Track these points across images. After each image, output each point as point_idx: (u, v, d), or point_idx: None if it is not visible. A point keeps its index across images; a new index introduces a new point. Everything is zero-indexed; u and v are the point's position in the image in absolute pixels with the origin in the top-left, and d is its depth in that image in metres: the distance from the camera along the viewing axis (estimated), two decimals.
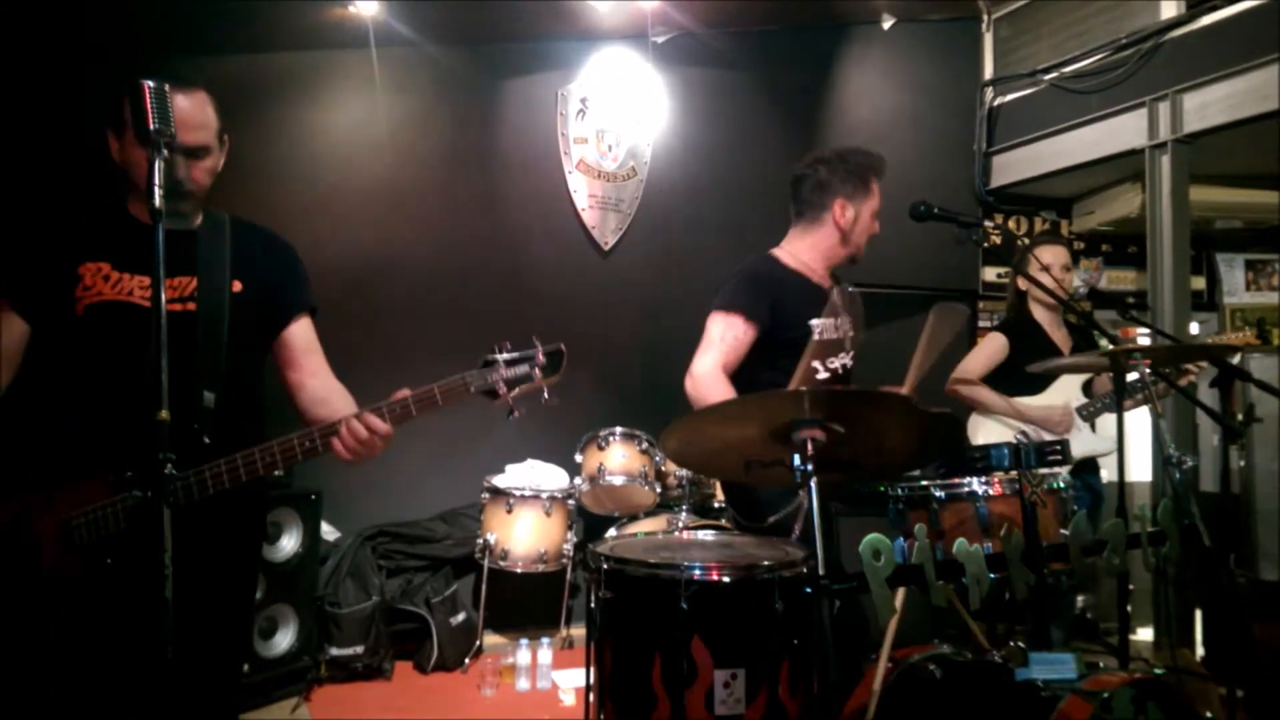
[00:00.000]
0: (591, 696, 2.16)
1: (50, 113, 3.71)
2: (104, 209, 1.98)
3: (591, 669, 2.14)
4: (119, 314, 1.89)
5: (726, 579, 1.98)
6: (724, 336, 2.62)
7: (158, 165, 1.57)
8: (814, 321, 2.68)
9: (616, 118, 5.22)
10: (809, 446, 1.81)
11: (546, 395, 1.95)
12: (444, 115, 4.91)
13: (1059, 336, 3.75)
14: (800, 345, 2.66)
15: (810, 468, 1.80)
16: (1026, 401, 3.65)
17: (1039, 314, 3.78)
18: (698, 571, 1.97)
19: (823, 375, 2.69)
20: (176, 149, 1.84)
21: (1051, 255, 3.72)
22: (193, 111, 1.90)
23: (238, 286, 2.00)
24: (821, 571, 1.76)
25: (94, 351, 1.89)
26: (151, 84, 1.58)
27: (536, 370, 1.91)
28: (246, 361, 2.04)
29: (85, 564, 1.79)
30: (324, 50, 4.62)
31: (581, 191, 5.13)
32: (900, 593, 2.19)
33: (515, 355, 1.91)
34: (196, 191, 1.94)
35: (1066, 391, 3.69)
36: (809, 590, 1.86)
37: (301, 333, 2.13)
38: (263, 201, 4.10)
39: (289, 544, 3.87)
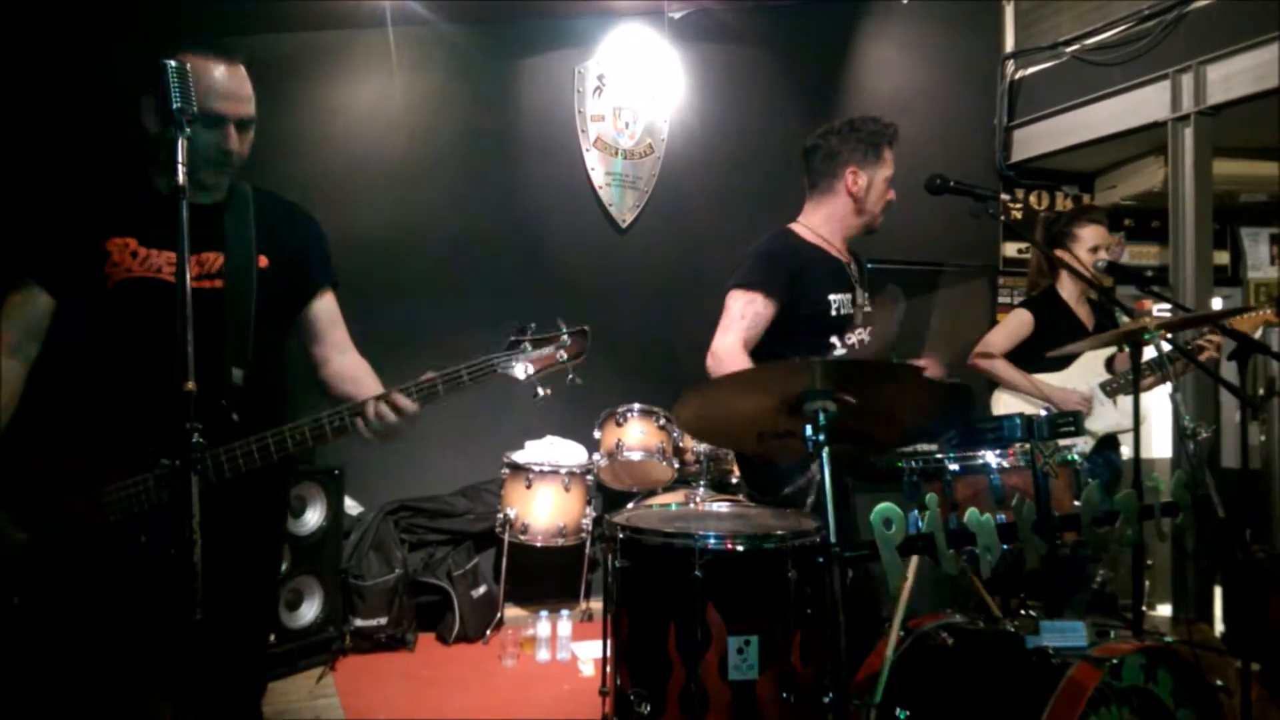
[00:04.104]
0: (608, 665, 2.21)
1: (72, 90, 3.75)
2: (129, 184, 1.96)
3: (608, 636, 2.18)
4: (148, 291, 1.87)
5: (739, 548, 2.02)
6: (744, 313, 2.62)
7: (180, 143, 1.57)
8: (832, 296, 2.69)
9: (633, 94, 5.22)
10: (821, 417, 1.83)
11: (571, 376, 1.96)
12: (461, 94, 4.92)
13: (1083, 313, 3.72)
14: (819, 320, 2.68)
15: (822, 438, 1.82)
16: (1048, 379, 3.64)
17: (1066, 291, 3.75)
18: (711, 541, 2.00)
19: (839, 351, 2.70)
20: (230, 120, 1.88)
21: (1100, 236, 3.67)
22: (240, 83, 1.90)
23: (264, 262, 1.98)
24: (833, 540, 1.78)
25: (124, 329, 1.87)
26: (174, 63, 1.59)
27: (562, 352, 1.92)
28: (272, 338, 2.02)
29: (118, 540, 1.78)
30: (341, 30, 4.64)
31: (599, 169, 5.15)
32: (913, 565, 2.21)
33: (541, 336, 1.92)
34: (238, 161, 1.93)
35: (1089, 368, 3.68)
36: (820, 559, 1.89)
37: (326, 307, 2.12)
38: (281, 181, 4.03)
39: (313, 518, 3.94)
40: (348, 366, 2.09)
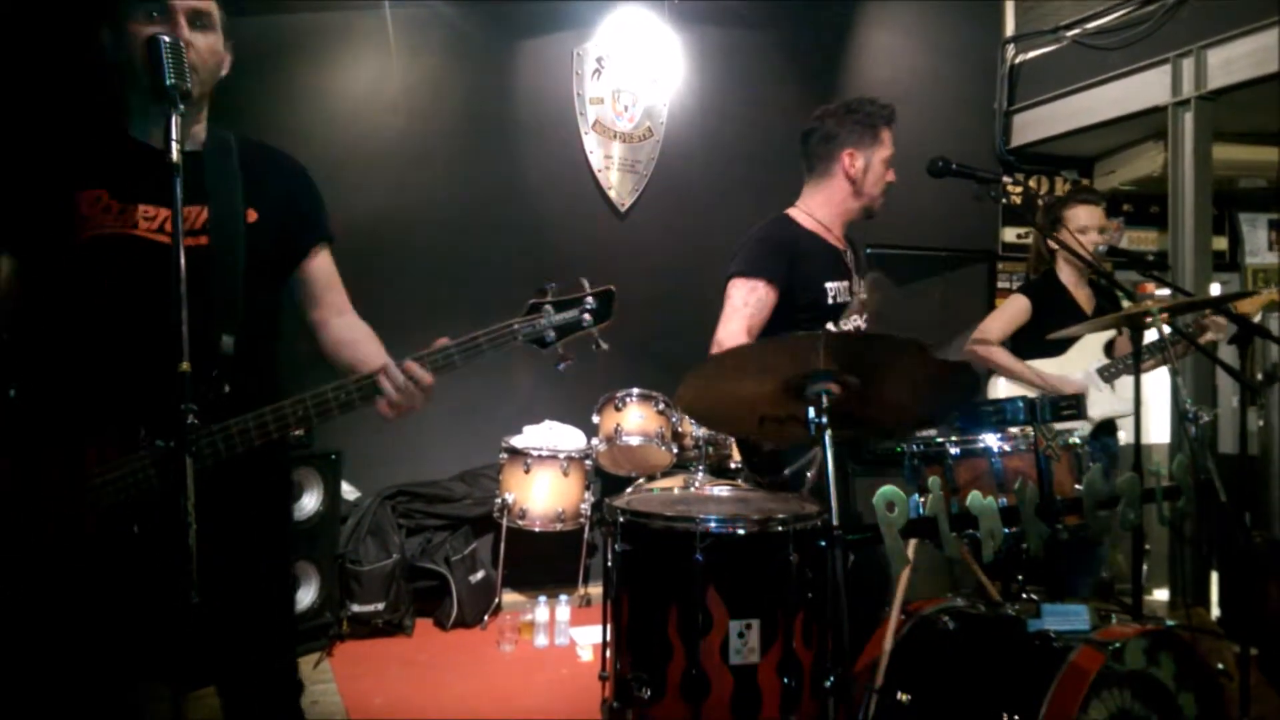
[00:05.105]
0: (608, 649, 2.20)
1: (32, 25, 3.53)
2: (98, 131, 1.78)
3: (608, 620, 2.18)
4: (122, 248, 1.69)
5: (741, 531, 2.01)
6: (746, 301, 2.59)
7: (174, 120, 1.51)
8: (828, 284, 2.67)
9: (633, 78, 5.18)
10: (824, 400, 1.81)
11: (598, 343, 1.79)
12: (459, 75, 4.88)
13: (1082, 296, 3.71)
14: (816, 307, 2.66)
15: (825, 420, 1.80)
16: (1046, 365, 3.63)
17: (1065, 274, 3.74)
18: (713, 524, 1.99)
19: None
20: (178, 10, 1.68)
21: (1088, 216, 3.64)
22: None
23: (253, 216, 1.80)
24: (835, 523, 1.77)
25: (97, 291, 1.70)
26: (168, 39, 1.56)
27: (586, 315, 1.76)
28: (264, 300, 1.85)
29: (108, 529, 1.64)
30: (338, 10, 4.60)
31: (597, 152, 5.11)
32: (913, 547, 2.20)
33: (563, 299, 1.76)
34: (200, 68, 1.70)
35: (1088, 352, 3.67)
36: (823, 543, 1.88)
37: (322, 266, 1.94)
38: None
39: (310, 502, 3.93)
40: (347, 329, 1.93)
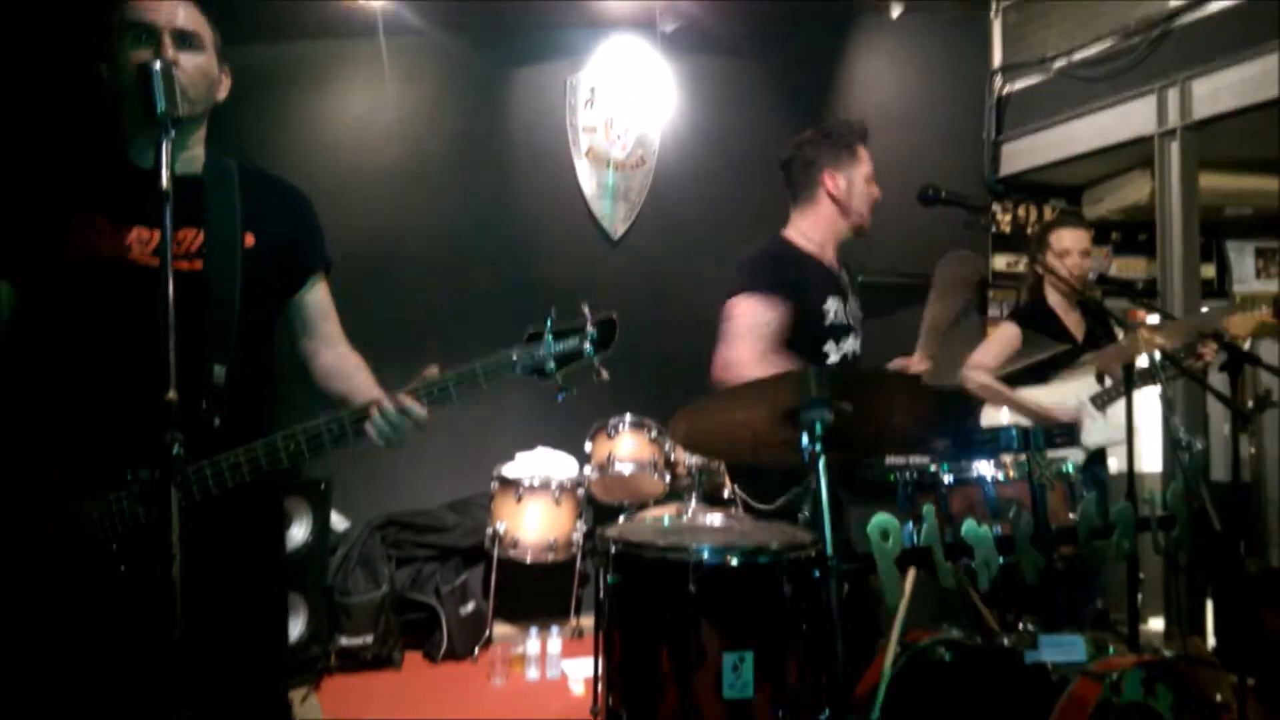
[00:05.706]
0: (600, 683, 2.16)
1: (35, 52, 3.58)
2: (98, 154, 1.77)
3: (600, 653, 2.14)
4: (114, 272, 1.66)
5: (734, 562, 1.98)
6: (758, 321, 2.53)
7: (165, 147, 1.48)
8: (828, 304, 2.67)
9: (625, 106, 5.22)
10: (818, 427, 1.80)
11: (599, 373, 1.75)
12: (453, 104, 4.92)
13: (1072, 320, 3.72)
14: (814, 327, 2.65)
15: (819, 448, 1.79)
16: (1038, 392, 3.63)
17: (1054, 299, 3.76)
18: (706, 554, 1.96)
19: (834, 359, 2.68)
20: (162, 30, 1.68)
21: (1071, 239, 3.68)
22: None
23: (250, 241, 1.78)
24: (829, 552, 1.75)
25: (87, 316, 1.67)
26: (159, 66, 1.54)
27: (587, 344, 1.73)
28: (258, 328, 1.82)
29: (92, 562, 1.61)
30: (333, 39, 4.63)
31: (590, 180, 5.13)
32: (910, 577, 2.18)
33: (563, 328, 1.73)
34: (190, 89, 1.69)
35: (1080, 379, 3.67)
36: (817, 573, 1.86)
37: (318, 296, 1.94)
38: None
39: (299, 533, 3.88)
40: (339, 361, 1.92)
